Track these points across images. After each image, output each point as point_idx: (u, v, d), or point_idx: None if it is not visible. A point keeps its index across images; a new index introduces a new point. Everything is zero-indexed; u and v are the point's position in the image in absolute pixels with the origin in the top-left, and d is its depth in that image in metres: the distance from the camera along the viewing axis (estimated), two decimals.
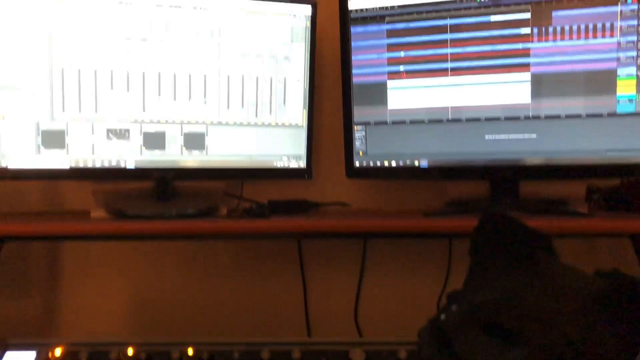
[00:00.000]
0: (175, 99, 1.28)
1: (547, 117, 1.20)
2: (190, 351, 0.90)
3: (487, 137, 1.24)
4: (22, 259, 1.47)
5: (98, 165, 1.25)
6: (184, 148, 1.29)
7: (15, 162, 1.21)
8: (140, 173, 1.28)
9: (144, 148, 1.27)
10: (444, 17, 1.25)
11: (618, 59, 1.15)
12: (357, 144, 1.32)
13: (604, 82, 1.16)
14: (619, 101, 1.16)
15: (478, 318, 0.82)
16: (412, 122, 1.28)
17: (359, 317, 1.46)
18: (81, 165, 1.25)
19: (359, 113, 1.32)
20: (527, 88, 1.21)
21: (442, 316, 0.89)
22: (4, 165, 1.20)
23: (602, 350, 0.76)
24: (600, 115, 1.17)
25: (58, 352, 0.90)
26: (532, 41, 1.20)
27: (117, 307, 1.48)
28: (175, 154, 1.29)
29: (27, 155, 1.22)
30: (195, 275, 1.48)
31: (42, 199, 1.45)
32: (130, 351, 0.90)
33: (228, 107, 1.30)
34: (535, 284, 0.80)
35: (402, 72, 1.28)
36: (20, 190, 1.43)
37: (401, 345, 0.90)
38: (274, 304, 1.47)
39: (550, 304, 0.77)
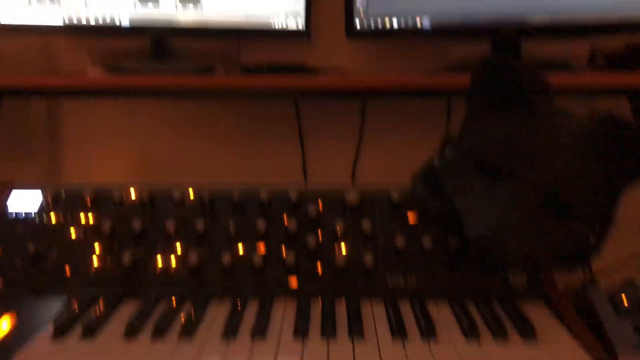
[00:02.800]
0: None
1: None
2: (191, 192, 0.93)
3: None
4: (22, 120, 1.48)
5: (92, 22, 1.23)
6: (178, 4, 1.25)
7: (6, 17, 1.19)
8: (135, 30, 1.25)
9: (138, 3, 1.24)
10: None
11: None
12: (358, 1, 1.28)
13: None
14: None
15: (470, 159, 0.84)
16: None
17: (356, 179, 1.49)
18: (75, 21, 1.22)
19: None
20: None
21: (435, 159, 0.91)
22: None
23: (589, 186, 0.78)
24: None
25: (63, 192, 0.93)
26: None
27: (118, 168, 1.51)
28: (169, 11, 1.25)
29: (18, 10, 1.19)
30: (194, 138, 1.49)
31: (38, 60, 1.43)
32: (132, 192, 0.93)
33: None
34: (529, 124, 0.81)
35: None
36: (16, 50, 1.41)
37: (394, 187, 0.93)
38: (272, 168, 1.49)
39: (542, 142, 0.79)
